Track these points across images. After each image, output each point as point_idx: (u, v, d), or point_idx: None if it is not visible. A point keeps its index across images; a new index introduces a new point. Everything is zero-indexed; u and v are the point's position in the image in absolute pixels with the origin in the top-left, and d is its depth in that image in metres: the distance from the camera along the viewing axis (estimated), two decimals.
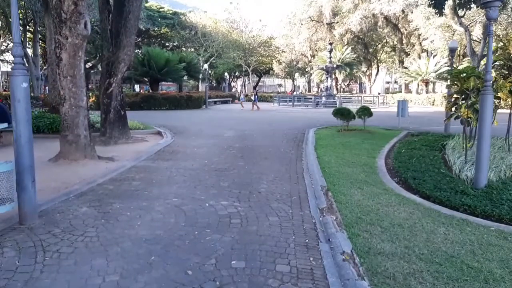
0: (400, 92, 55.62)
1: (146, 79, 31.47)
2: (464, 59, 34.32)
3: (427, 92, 39.67)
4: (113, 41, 10.93)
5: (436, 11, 14.29)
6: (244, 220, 4.41)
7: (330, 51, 31.58)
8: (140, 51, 38.84)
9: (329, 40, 36.15)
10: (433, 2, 13.19)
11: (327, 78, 31.85)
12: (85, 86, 8.20)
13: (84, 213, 4.64)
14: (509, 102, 8.03)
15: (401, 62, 47.57)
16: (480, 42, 26.35)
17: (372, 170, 7.43)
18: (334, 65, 31.70)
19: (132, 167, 7.24)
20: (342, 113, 12.89)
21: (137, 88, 53.50)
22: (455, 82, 8.82)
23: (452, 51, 12.99)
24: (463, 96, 8.60)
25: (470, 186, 5.78)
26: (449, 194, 5.53)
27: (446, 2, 14.19)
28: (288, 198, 5.37)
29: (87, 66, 45.71)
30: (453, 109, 8.92)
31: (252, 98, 28.18)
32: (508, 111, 8.33)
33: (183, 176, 6.53)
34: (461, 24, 23.42)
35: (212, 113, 23.88)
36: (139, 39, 51.25)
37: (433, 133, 12.68)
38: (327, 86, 31.60)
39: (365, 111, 13.12)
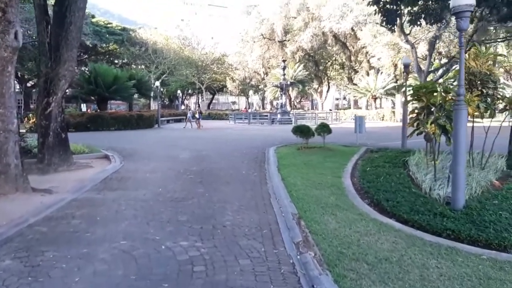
0: (349, 108, 57.46)
1: (93, 98, 29.75)
2: (410, 76, 36.00)
3: (375, 107, 41.10)
4: (52, 55, 9.82)
5: (388, 28, 14.56)
6: (209, 267, 3.67)
7: (284, 68, 31.72)
8: (86, 68, 36.87)
9: (282, 57, 36.43)
10: (385, 19, 13.39)
11: (281, 95, 31.90)
12: (16, 106, 7.13)
13: (6, 268, 3.68)
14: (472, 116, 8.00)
15: (350, 79, 49.19)
16: (425, 59, 27.66)
17: (341, 192, 6.99)
18: (288, 82, 31.87)
19: (72, 201, 6.22)
20: (302, 131, 12.55)
21: (84, 107, 50.75)
22: (420, 97, 8.75)
23: (405, 66, 13.20)
24: (425, 112, 8.53)
25: (448, 208, 5.46)
26: (428, 217, 5.15)
27: (397, 20, 14.49)
28: (258, 231, 4.71)
29: (28, 84, 42.76)
30: (415, 124, 8.85)
31: (197, 116, 27.33)
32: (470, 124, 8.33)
33: (134, 210, 5.65)
34: (407, 41, 24.41)
35: (165, 133, 22.80)
36: (86, 56, 48.93)
37: (391, 149, 12.67)
38: (281, 103, 31.61)
39: (324, 128, 12.88)
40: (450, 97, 7.72)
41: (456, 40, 24.94)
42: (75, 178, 8.33)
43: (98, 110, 27.83)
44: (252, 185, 7.49)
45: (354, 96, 49.38)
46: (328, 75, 54.29)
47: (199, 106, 32.84)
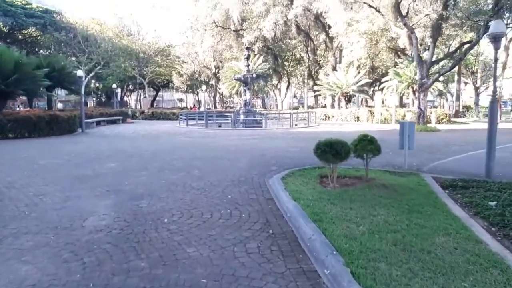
0: (302, 107, 52.99)
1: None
2: (397, 67, 31.68)
3: (346, 107, 36.50)
4: None
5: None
6: None
7: (247, 58, 25.57)
8: None
9: (245, 45, 30.25)
10: None
11: (244, 90, 25.79)
12: None
13: None
14: None
15: (310, 74, 44.44)
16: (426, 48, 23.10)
17: None
18: (254, 75, 25.82)
19: None
20: (337, 152, 6.63)
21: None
22: None
23: (496, 39, 7.79)
24: None
25: None
26: None
27: None
28: None
29: None
30: None
31: None
32: None
33: None
34: (405, 25, 19.53)
35: (87, 143, 15.65)
36: None
37: (477, 179, 7.35)
38: (245, 100, 25.45)
39: (370, 145, 7.13)
40: None
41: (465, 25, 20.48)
42: None
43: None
44: None
45: (318, 94, 44.40)
46: (287, 70, 49.13)
47: None
